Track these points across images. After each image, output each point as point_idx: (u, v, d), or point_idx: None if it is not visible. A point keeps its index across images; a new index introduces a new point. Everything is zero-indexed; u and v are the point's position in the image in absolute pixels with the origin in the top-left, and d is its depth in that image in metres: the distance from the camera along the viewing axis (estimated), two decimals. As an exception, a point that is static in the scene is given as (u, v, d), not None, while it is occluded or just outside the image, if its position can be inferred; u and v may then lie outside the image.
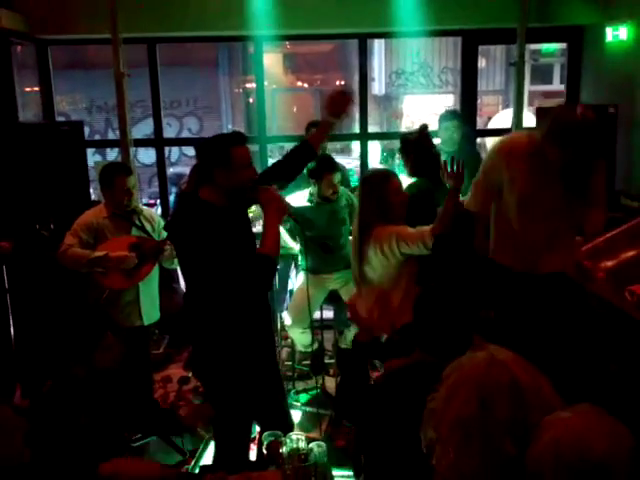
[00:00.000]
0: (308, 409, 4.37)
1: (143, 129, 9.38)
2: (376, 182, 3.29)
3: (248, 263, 2.66)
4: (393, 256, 3.15)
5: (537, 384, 1.40)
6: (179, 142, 10.32)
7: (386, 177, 3.29)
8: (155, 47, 5.58)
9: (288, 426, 3.04)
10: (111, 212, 3.72)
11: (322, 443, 2.43)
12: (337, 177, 4.19)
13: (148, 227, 3.79)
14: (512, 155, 3.05)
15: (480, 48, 5.89)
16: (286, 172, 3.17)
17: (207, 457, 3.66)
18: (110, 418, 2.67)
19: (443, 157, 3.82)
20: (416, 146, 3.96)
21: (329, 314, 4.90)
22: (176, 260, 3.86)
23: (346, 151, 12.54)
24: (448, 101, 12.49)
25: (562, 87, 6.52)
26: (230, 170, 2.65)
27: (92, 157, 11.27)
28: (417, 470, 1.69)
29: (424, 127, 4.09)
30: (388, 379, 2.32)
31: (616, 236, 1.76)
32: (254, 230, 3.07)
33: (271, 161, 9.56)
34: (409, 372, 2.13)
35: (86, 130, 12.85)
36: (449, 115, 4.93)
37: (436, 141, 4.44)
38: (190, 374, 4.82)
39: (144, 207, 4.07)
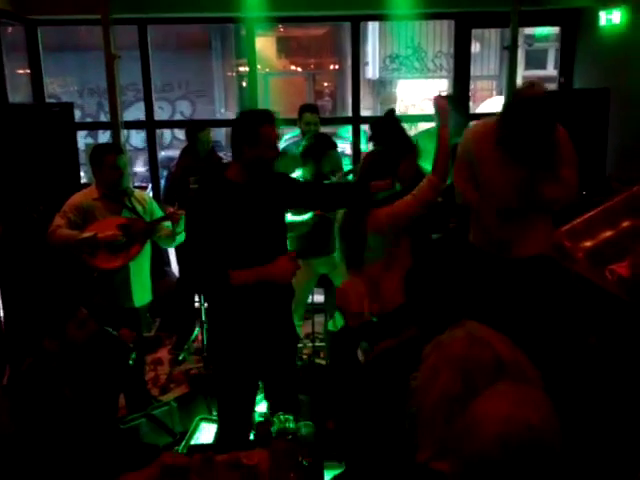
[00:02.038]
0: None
1: (135, 112, 9.31)
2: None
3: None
4: (396, 233, 3.14)
5: (517, 358, 1.41)
6: (170, 124, 10.29)
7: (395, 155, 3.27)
8: (146, 28, 5.52)
9: (296, 407, 3.04)
10: (102, 193, 3.70)
11: (310, 423, 2.44)
12: (336, 155, 4.22)
13: (139, 208, 3.77)
14: (479, 138, 3.10)
15: (475, 33, 5.87)
16: (329, 202, 3.15)
17: (197, 438, 3.67)
18: (97, 392, 2.66)
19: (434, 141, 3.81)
20: (383, 131, 3.96)
21: (320, 298, 4.91)
22: (177, 238, 3.88)
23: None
24: (442, 86, 12.44)
25: (556, 72, 6.50)
26: (257, 147, 2.72)
27: (84, 140, 11.23)
28: (404, 448, 1.71)
29: (390, 111, 4.10)
30: (379, 358, 2.32)
31: (594, 216, 1.79)
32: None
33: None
34: (399, 351, 2.14)
35: (78, 113, 12.86)
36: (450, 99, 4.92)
37: (430, 125, 4.43)
38: (181, 357, 4.83)
39: (135, 189, 4.05)
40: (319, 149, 4.11)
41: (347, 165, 5.51)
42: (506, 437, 1.19)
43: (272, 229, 2.90)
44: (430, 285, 2.16)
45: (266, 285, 2.77)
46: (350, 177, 4.23)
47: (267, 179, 2.86)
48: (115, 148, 3.78)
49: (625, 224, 1.73)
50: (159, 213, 3.89)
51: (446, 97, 3.11)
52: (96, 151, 3.71)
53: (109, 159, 3.62)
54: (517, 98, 2.97)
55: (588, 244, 1.70)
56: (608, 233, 1.73)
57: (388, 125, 3.94)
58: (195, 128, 4.93)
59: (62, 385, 2.53)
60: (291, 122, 5.22)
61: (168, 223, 3.78)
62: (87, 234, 3.54)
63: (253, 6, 5.10)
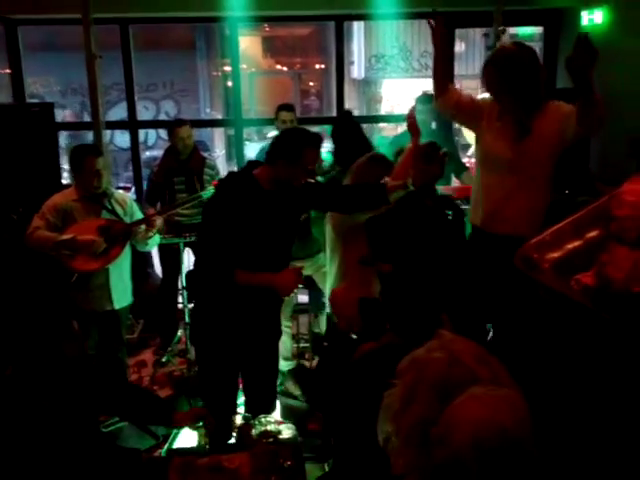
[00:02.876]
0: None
1: (120, 112, 9.25)
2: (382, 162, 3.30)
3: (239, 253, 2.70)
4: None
5: (496, 375, 1.39)
6: (153, 124, 10.22)
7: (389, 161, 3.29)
8: (128, 28, 5.48)
9: (270, 406, 3.09)
10: (81, 195, 3.66)
11: (292, 425, 2.42)
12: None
13: (119, 210, 3.74)
14: (487, 110, 3.12)
15: (459, 32, 5.87)
16: (348, 204, 3.10)
17: (180, 441, 3.64)
18: (78, 402, 2.63)
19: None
20: (338, 132, 3.98)
21: (304, 298, 4.90)
22: (150, 242, 3.86)
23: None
24: (427, 85, 12.46)
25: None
26: (294, 166, 2.69)
27: (67, 140, 11.14)
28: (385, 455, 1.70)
29: (345, 113, 4.13)
30: (358, 362, 2.31)
31: (562, 228, 1.82)
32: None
33: (252, 145, 9.59)
34: (378, 355, 2.13)
35: (60, 113, 12.73)
36: (424, 99, 4.93)
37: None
38: (164, 359, 4.79)
39: (115, 190, 4.01)
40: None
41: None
42: (480, 441, 1.19)
43: (286, 237, 2.90)
44: (410, 284, 2.15)
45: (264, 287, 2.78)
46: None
47: (292, 189, 2.83)
48: (94, 150, 3.74)
49: (592, 234, 1.75)
50: (139, 215, 3.85)
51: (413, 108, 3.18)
52: (75, 153, 3.67)
53: (88, 161, 3.58)
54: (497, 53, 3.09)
55: (555, 255, 1.72)
56: (575, 244, 1.75)
57: (345, 126, 3.98)
58: (175, 125, 4.89)
59: (44, 396, 2.50)
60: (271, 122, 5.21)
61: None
62: (66, 236, 3.50)
63: (236, 5, 5.07)
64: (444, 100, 3.21)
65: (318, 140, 2.75)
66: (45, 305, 2.89)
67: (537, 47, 6.43)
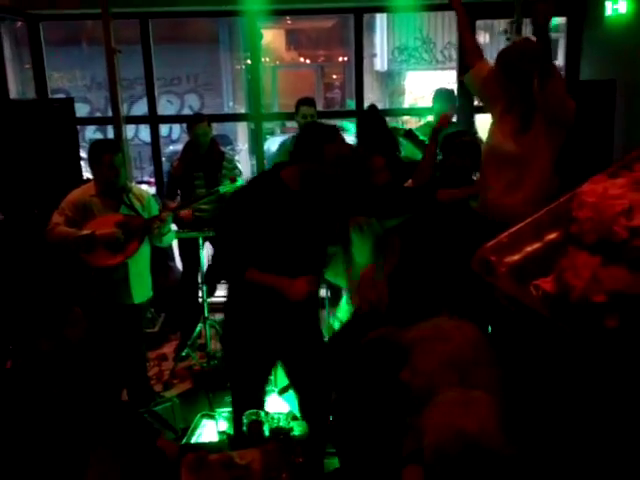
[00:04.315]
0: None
1: (145, 107, 9.29)
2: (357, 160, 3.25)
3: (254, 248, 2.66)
4: (374, 231, 3.12)
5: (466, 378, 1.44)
6: (173, 119, 10.20)
7: (367, 156, 3.25)
8: (148, 22, 5.51)
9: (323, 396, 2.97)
10: (100, 190, 3.69)
11: (304, 422, 2.42)
12: None
13: (137, 205, 3.76)
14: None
15: (483, 23, 5.79)
16: (392, 211, 3.02)
17: (198, 435, 3.67)
18: (93, 392, 2.65)
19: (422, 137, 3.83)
20: (362, 125, 3.94)
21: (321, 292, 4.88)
22: (165, 238, 3.88)
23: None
24: (451, 77, 12.33)
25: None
26: (317, 164, 2.63)
27: (93, 135, 11.25)
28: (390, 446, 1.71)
29: (371, 107, 4.08)
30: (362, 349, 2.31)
31: (521, 229, 1.71)
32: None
33: (274, 139, 9.55)
34: (379, 344, 2.12)
35: (86, 107, 12.85)
36: (441, 94, 4.91)
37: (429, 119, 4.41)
38: (184, 353, 4.83)
39: (134, 185, 4.04)
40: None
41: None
42: (439, 446, 1.23)
43: (310, 242, 2.78)
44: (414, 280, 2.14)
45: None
46: None
47: (325, 191, 2.75)
48: (113, 146, 3.75)
49: (552, 236, 1.65)
50: (156, 210, 3.87)
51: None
52: (94, 149, 3.69)
53: (106, 158, 3.60)
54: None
55: (513, 258, 1.62)
56: (534, 246, 1.65)
57: (370, 120, 3.93)
58: (193, 121, 4.91)
59: (54, 387, 2.53)
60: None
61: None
62: (85, 232, 3.53)
63: (256, -1, 5.07)
64: (474, 72, 3.27)
65: (336, 133, 2.67)
66: (46, 292, 2.92)
67: (560, 38, 6.33)
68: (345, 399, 2.23)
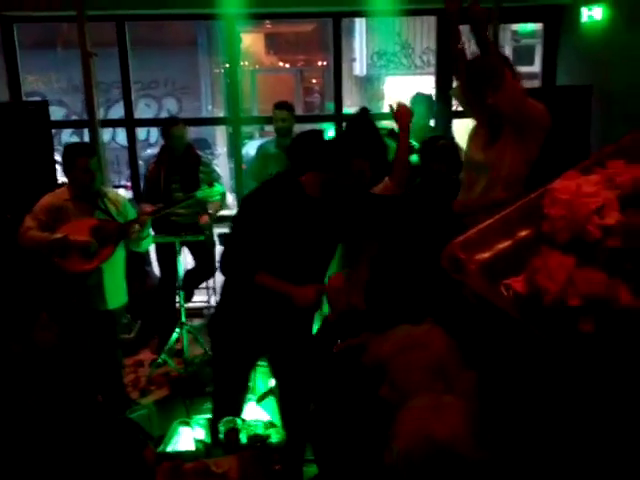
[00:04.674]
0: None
1: (121, 110, 9.21)
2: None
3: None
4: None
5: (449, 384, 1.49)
6: (149, 123, 10.13)
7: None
8: (124, 25, 5.45)
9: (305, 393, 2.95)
10: (74, 194, 3.63)
11: (281, 429, 2.39)
12: None
13: (112, 210, 3.70)
14: None
15: (466, 28, 5.81)
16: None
17: (175, 442, 3.62)
18: (64, 398, 2.60)
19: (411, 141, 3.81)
20: (353, 125, 3.92)
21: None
22: (144, 242, 3.84)
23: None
24: (429, 82, 12.40)
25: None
26: (341, 171, 2.61)
27: (70, 138, 11.12)
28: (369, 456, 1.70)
29: (362, 110, 4.07)
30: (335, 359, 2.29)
31: (491, 225, 1.65)
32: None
33: (252, 143, 9.51)
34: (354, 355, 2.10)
35: (62, 111, 12.68)
36: (419, 99, 4.93)
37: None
38: (161, 359, 4.77)
39: (109, 189, 3.99)
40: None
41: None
42: (409, 452, 1.23)
43: (321, 249, 2.79)
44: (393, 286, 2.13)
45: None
46: None
47: (342, 200, 2.73)
48: (88, 150, 3.70)
49: (522, 233, 1.60)
50: (133, 215, 3.82)
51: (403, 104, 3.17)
52: (68, 152, 3.64)
53: (81, 161, 3.55)
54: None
55: (483, 256, 1.57)
56: (504, 244, 1.59)
57: (360, 124, 3.90)
58: (168, 124, 4.86)
59: (26, 392, 2.47)
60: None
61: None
62: (58, 235, 3.48)
63: (233, 2, 5.04)
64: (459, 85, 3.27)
65: (368, 150, 2.64)
66: (14, 296, 2.88)
67: (537, 44, 6.39)
68: (322, 407, 2.21)
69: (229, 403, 2.93)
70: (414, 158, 3.86)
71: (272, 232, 2.63)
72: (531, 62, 12.37)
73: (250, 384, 3.48)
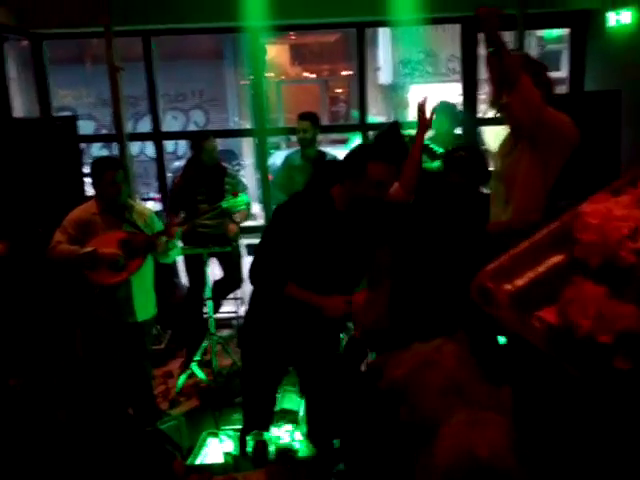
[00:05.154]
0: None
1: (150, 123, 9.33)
2: None
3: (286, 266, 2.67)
4: None
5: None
6: (177, 136, 10.22)
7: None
8: (150, 40, 5.52)
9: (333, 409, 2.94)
10: (102, 208, 3.68)
11: (309, 444, 2.38)
12: None
13: (140, 222, 3.74)
14: None
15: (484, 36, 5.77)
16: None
17: (204, 454, 3.62)
18: (94, 411, 2.62)
19: (435, 147, 3.79)
20: (382, 137, 3.91)
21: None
22: (171, 253, 3.86)
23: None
24: (455, 90, 12.34)
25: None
26: (360, 180, 2.61)
27: (99, 152, 11.28)
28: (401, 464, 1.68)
29: (394, 124, 4.06)
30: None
31: (522, 251, 1.57)
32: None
33: (278, 153, 9.56)
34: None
35: (92, 125, 12.88)
36: (442, 107, 4.89)
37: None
38: (190, 370, 4.78)
39: (136, 202, 4.03)
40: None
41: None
42: (449, 468, 1.20)
43: (349, 262, 2.79)
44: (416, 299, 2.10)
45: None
46: None
47: (366, 212, 2.75)
48: (114, 163, 3.75)
49: (554, 260, 1.53)
50: (160, 227, 3.85)
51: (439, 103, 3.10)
52: (95, 166, 3.69)
53: (107, 175, 3.60)
54: None
55: (513, 285, 1.50)
56: (536, 271, 1.50)
57: (390, 137, 3.89)
58: (200, 137, 4.91)
59: (56, 407, 2.50)
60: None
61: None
62: (87, 249, 3.52)
63: (256, 15, 5.08)
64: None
65: (385, 153, 2.64)
66: (53, 312, 2.92)
67: (564, 49, 6.31)
68: (351, 426, 2.19)
69: (259, 415, 2.93)
70: (435, 164, 3.84)
71: (302, 244, 2.65)
72: (557, 68, 12.26)
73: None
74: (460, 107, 5.47)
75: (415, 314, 2.08)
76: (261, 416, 2.93)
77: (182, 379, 4.74)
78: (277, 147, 12.36)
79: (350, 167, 2.64)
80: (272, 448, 2.36)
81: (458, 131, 5.33)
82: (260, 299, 2.92)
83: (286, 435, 2.41)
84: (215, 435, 3.67)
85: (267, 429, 2.77)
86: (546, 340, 1.35)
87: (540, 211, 2.83)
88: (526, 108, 2.69)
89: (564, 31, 6.11)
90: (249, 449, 2.41)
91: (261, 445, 2.39)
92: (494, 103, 3.02)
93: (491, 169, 3.38)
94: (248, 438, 2.45)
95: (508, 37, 5.32)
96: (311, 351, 2.89)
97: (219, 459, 3.26)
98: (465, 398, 1.56)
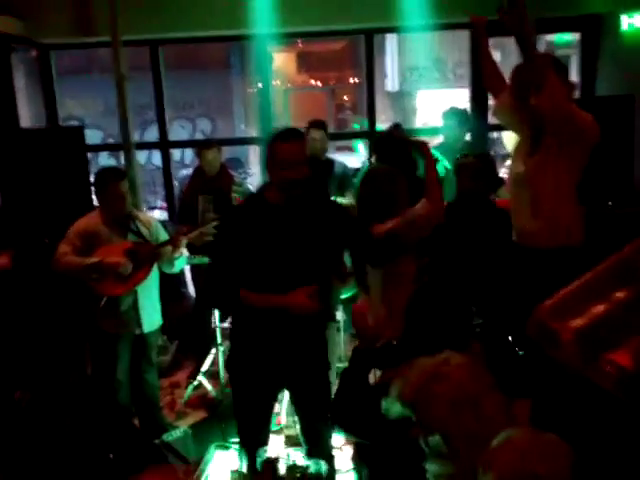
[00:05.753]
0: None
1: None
2: (385, 179, 3.11)
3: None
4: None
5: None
6: (183, 144, 10.21)
7: (397, 174, 3.13)
8: (157, 49, 5.50)
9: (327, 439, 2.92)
10: (106, 218, 3.64)
11: (320, 461, 2.31)
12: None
13: (144, 232, 3.70)
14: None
15: (495, 41, 5.71)
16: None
17: (212, 466, 3.56)
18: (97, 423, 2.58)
19: (445, 156, 3.74)
20: (384, 142, 3.86)
21: (338, 315, 4.78)
22: (177, 263, 3.81)
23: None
24: (463, 96, 12.29)
25: (578, 79, 6.33)
26: (272, 166, 2.61)
27: (107, 161, 11.30)
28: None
29: (396, 125, 4.01)
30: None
31: (582, 287, 1.47)
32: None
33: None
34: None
35: (99, 134, 12.90)
36: (451, 113, 4.84)
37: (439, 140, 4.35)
38: (197, 382, 4.72)
39: (140, 212, 3.99)
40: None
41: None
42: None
43: (302, 256, 2.68)
44: (436, 306, 2.04)
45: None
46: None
47: (313, 204, 2.71)
48: (118, 174, 3.70)
49: (620, 295, 1.43)
50: (164, 236, 3.81)
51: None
52: (99, 176, 3.66)
53: (111, 185, 3.56)
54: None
55: (577, 323, 1.40)
56: (600, 308, 1.41)
57: (391, 140, 3.84)
58: (201, 146, 4.87)
59: (61, 420, 2.45)
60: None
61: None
62: (93, 260, 3.48)
63: (264, 22, 5.06)
64: (499, 102, 3.18)
65: (286, 134, 2.61)
66: (65, 328, 2.88)
67: (577, 53, 6.25)
68: (365, 441, 2.13)
69: (251, 435, 2.88)
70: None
71: (245, 247, 2.61)
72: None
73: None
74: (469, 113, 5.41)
75: (434, 322, 2.02)
76: (254, 436, 2.86)
77: (189, 390, 4.68)
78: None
79: (264, 156, 2.63)
80: (283, 465, 2.29)
81: (467, 138, 5.28)
82: (237, 324, 2.87)
83: (297, 452, 2.35)
84: (222, 448, 3.62)
85: (263, 446, 2.71)
86: (618, 384, 1.27)
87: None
88: (556, 105, 2.70)
89: (574, 36, 6.04)
90: (258, 466, 2.35)
91: (271, 462, 2.33)
92: (520, 107, 2.96)
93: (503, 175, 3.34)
94: (257, 454, 2.39)
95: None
96: (298, 368, 2.81)
97: (226, 473, 3.21)
98: (478, 411, 1.52)
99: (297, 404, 2.99)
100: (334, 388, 4.05)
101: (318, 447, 2.79)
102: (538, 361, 2.17)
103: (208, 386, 4.70)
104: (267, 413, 2.96)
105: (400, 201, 3.01)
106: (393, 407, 1.66)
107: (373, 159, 3.46)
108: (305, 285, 2.61)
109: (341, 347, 4.72)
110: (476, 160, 3.49)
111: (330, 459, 2.80)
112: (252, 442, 2.73)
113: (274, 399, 3.03)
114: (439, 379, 1.56)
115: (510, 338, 2.88)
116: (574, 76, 6.01)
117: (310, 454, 2.72)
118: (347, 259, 3.41)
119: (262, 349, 2.74)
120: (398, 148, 3.78)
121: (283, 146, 2.56)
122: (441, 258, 3.05)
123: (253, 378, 2.81)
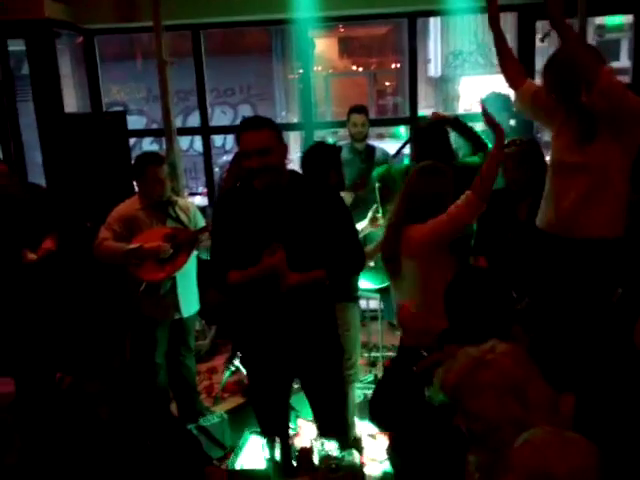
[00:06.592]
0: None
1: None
2: (434, 180, 3.01)
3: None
4: (438, 252, 2.93)
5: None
6: (224, 130, 10.23)
7: (446, 173, 3.03)
8: (199, 34, 5.51)
9: (341, 431, 2.91)
10: (145, 204, 3.66)
11: (354, 451, 2.28)
12: None
13: (183, 217, 3.71)
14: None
15: (541, 24, 5.54)
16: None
17: (246, 452, 3.57)
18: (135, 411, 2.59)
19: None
20: (424, 133, 3.77)
21: (374, 304, 4.74)
22: None
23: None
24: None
25: (630, 63, 6.11)
26: (241, 156, 2.72)
27: (150, 146, 11.43)
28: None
29: (436, 116, 3.91)
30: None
31: None
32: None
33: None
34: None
35: (143, 120, 13.06)
36: (493, 98, 4.72)
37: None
38: (233, 367, 4.75)
39: (179, 197, 4.00)
40: None
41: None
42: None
43: (285, 241, 2.65)
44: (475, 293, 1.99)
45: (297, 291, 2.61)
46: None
47: (299, 190, 2.72)
48: (157, 159, 3.70)
49: None
50: (202, 222, 3.82)
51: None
52: (138, 162, 3.68)
53: (150, 170, 3.57)
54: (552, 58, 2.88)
55: None
56: None
57: (432, 129, 3.75)
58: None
59: (99, 405, 2.47)
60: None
61: None
62: (133, 245, 3.51)
63: (306, 6, 5.01)
64: (521, 93, 3.07)
65: (244, 124, 2.68)
66: (109, 314, 2.92)
67: (627, 37, 6.03)
68: (403, 432, 2.10)
69: (270, 424, 2.92)
70: (474, 159, 3.68)
71: (236, 233, 2.67)
72: (617, 57, 11.80)
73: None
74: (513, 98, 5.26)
75: (475, 308, 1.98)
76: (272, 425, 2.90)
77: (226, 375, 4.71)
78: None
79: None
80: (317, 455, 2.28)
81: (512, 123, 5.14)
82: (243, 313, 2.86)
83: (330, 442, 2.32)
84: (258, 434, 3.62)
85: (283, 435, 2.73)
86: None
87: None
88: (613, 102, 2.59)
89: (625, 19, 5.82)
90: (293, 456, 2.34)
91: (306, 452, 2.31)
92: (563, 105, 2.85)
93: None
94: (292, 444, 2.38)
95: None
96: (306, 353, 2.82)
97: (261, 459, 3.21)
98: (523, 399, 1.48)
99: (305, 389, 3.02)
100: (361, 376, 4.11)
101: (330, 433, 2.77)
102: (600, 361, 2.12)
103: (244, 372, 4.72)
104: (283, 402, 2.99)
105: (447, 202, 2.93)
106: (437, 395, 1.64)
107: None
108: (294, 270, 2.61)
109: (379, 336, 4.70)
110: (524, 146, 3.38)
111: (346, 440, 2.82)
112: (271, 431, 2.74)
113: (289, 387, 3.04)
114: (484, 367, 1.53)
115: (553, 329, 2.80)
116: (624, 60, 5.80)
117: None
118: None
119: (268, 337, 2.77)
120: (438, 138, 3.71)
121: (242, 136, 2.63)
122: (483, 244, 2.98)
123: (264, 367, 2.85)
